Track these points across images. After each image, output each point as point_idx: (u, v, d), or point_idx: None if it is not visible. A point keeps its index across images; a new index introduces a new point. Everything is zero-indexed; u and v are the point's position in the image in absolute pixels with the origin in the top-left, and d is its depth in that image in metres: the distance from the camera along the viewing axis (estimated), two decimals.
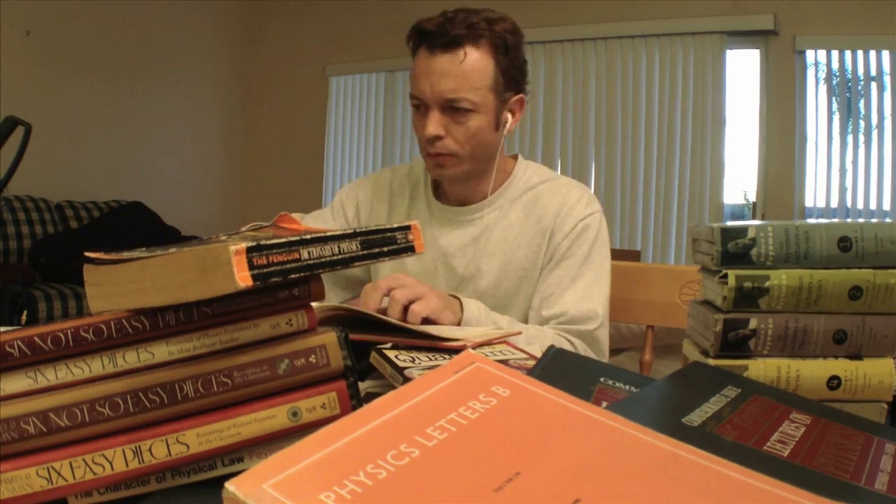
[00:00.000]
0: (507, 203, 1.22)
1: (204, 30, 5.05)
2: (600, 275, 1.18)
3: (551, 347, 0.62)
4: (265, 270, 0.41)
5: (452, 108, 1.10)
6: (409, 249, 0.52)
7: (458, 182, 1.21)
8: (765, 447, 0.43)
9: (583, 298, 1.15)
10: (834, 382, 0.64)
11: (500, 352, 0.72)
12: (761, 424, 0.47)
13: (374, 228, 0.50)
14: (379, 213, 1.29)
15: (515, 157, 1.28)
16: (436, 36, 1.09)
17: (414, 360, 0.66)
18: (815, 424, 0.50)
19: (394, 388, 0.63)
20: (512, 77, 1.14)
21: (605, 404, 0.49)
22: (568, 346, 1.09)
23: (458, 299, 1.03)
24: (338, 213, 1.32)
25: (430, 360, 0.67)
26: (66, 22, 4.08)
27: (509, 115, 1.17)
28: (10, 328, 0.44)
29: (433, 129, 1.10)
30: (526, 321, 1.19)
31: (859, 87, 3.61)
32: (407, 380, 0.60)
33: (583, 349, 1.12)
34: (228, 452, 0.44)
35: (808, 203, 3.72)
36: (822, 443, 0.46)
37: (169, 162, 4.83)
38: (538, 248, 1.19)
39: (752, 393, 0.55)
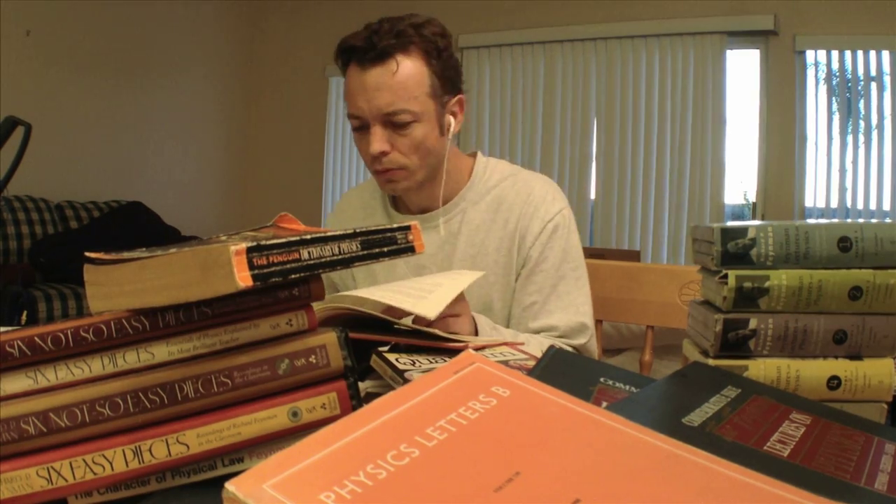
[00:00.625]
0: (469, 206, 1.20)
1: (204, 30, 5.05)
2: (579, 277, 1.17)
3: (551, 348, 0.62)
4: (265, 271, 0.41)
5: (393, 122, 1.07)
6: (410, 250, 0.52)
7: (412, 193, 1.19)
8: (765, 447, 0.43)
9: (569, 311, 1.14)
10: (834, 382, 0.64)
11: (501, 353, 0.72)
12: (761, 425, 0.47)
13: (374, 228, 0.50)
14: None
15: (474, 156, 1.25)
16: (365, 50, 1.06)
17: (414, 362, 0.66)
18: (815, 424, 0.50)
19: (394, 389, 0.63)
20: (448, 79, 1.11)
21: (604, 404, 0.49)
22: None
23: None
24: None
25: (431, 362, 0.67)
26: (66, 22, 4.08)
27: (451, 118, 1.14)
28: (10, 328, 0.44)
29: (378, 146, 1.08)
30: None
31: (859, 87, 3.61)
32: (406, 382, 0.60)
33: None
34: (228, 452, 0.44)
35: (808, 203, 3.72)
36: (822, 443, 0.46)
37: (169, 162, 4.83)
38: (508, 253, 1.17)
39: (752, 393, 0.55)
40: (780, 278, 0.63)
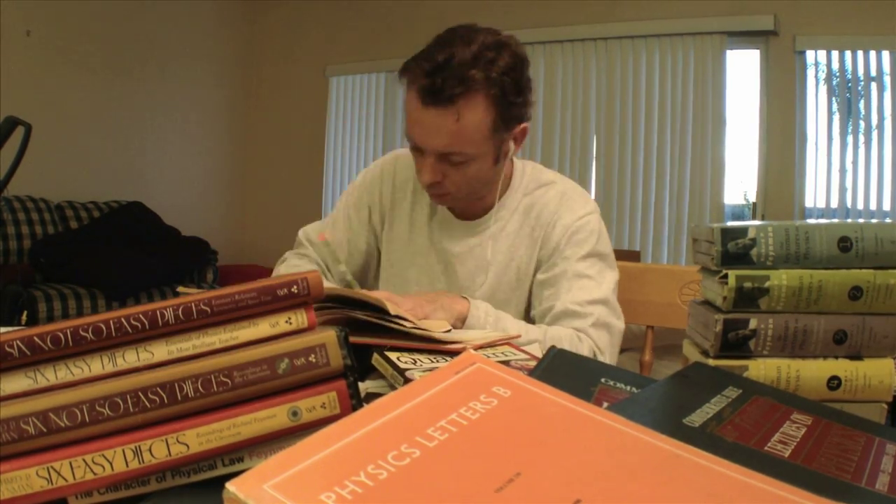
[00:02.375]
0: (507, 213, 1.21)
1: (204, 30, 5.05)
2: (601, 275, 1.16)
3: (552, 348, 0.62)
4: None
5: (448, 160, 1.06)
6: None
7: (457, 206, 1.22)
8: (766, 448, 0.43)
9: (577, 295, 1.13)
10: (834, 383, 0.64)
11: (503, 353, 0.72)
12: (762, 425, 0.47)
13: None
14: (387, 207, 1.28)
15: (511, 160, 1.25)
16: (427, 90, 1.01)
17: (415, 361, 0.66)
18: (816, 425, 0.50)
19: (395, 388, 0.63)
20: (511, 115, 1.08)
21: (605, 404, 0.49)
22: (569, 342, 1.09)
23: (468, 300, 1.03)
24: (360, 212, 1.30)
25: (432, 361, 0.67)
26: (66, 22, 4.08)
27: (512, 144, 1.12)
28: (10, 328, 0.44)
29: (428, 178, 1.08)
30: None
31: (859, 88, 3.61)
32: (408, 381, 0.60)
33: (588, 346, 1.10)
34: (228, 452, 0.44)
35: (808, 203, 3.72)
36: (823, 443, 0.46)
37: (169, 162, 4.83)
38: (529, 258, 1.19)
39: (753, 394, 0.55)
40: (781, 278, 0.63)
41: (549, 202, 1.20)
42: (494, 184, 1.17)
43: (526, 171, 1.25)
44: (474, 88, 1.01)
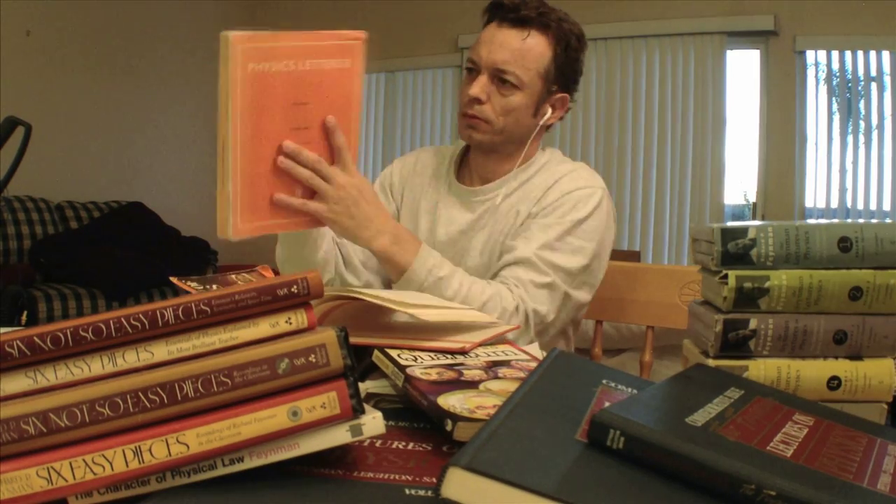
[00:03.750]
0: (515, 184, 1.23)
1: (204, 30, 5.04)
2: (582, 249, 1.14)
3: (553, 349, 0.62)
4: None
5: (500, 80, 1.14)
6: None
7: (482, 152, 1.23)
8: (768, 447, 0.43)
9: (546, 249, 1.12)
10: (834, 383, 0.64)
11: (503, 352, 0.72)
12: (764, 425, 0.47)
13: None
14: (408, 191, 1.32)
15: (543, 148, 1.29)
16: (508, 10, 1.14)
17: (416, 358, 0.66)
18: (817, 426, 0.50)
19: (396, 387, 0.63)
20: (563, 73, 1.18)
21: (607, 404, 0.49)
22: (491, 301, 1.06)
23: (414, 256, 1.04)
24: (384, 194, 1.34)
25: (433, 358, 0.67)
26: (66, 22, 4.08)
27: (549, 109, 1.19)
28: (10, 328, 0.44)
29: (476, 91, 1.14)
30: None
31: (859, 88, 3.61)
32: (409, 378, 0.60)
33: (516, 305, 1.08)
34: (228, 452, 0.44)
35: (808, 203, 3.72)
36: (825, 444, 0.46)
37: (169, 162, 4.83)
38: (516, 216, 1.19)
39: (755, 395, 0.55)
40: (781, 278, 0.63)
41: (555, 172, 1.21)
42: (524, 137, 1.20)
43: (546, 154, 1.27)
44: (547, 24, 1.15)
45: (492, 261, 1.20)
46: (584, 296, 1.17)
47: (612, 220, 1.21)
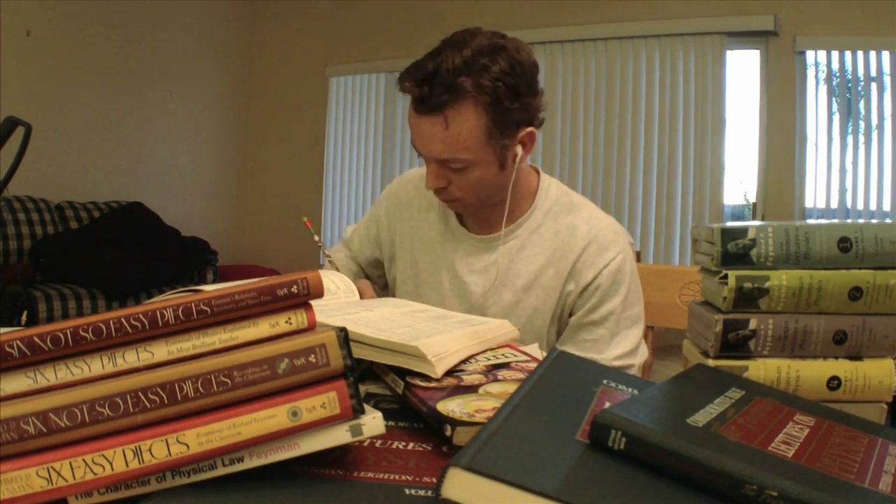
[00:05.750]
0: (525, 233, 1.17)
1: (204, 30, 5.05)
2: (636, 323, 1.14)
3: (554, 350, 0.62)
4: None
5: (448, 167, 1.07)
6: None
7: (472, 214, 1.19)
8: (769, 448, 0.43)
9: (615, 350, 1.11)
10: (834, 383, 0.64)
11: (503, 354, 0.72)
12: (766, 426, 0.47)
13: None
14: (394, 227, 1.29)
15: (538, 172, 1.22)
16: (419, 100, 1.03)
17: None
18: (819, 426, 0.50)
19: (395, 392, 0.63)
20: (510, 121, 1.05)
21: (608, 404, 0.49)
22: None
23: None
24: (369, 227, 1.33)
25: None
26: (66, 22, 4.07)
27: (519, 149, 1.10)
28: (10, 328, 0.44)
29: (433, 184, 1.09)
30: None
31: (859, 88, 3.61)
32: (408, 385, 0.60)
33: None
34: (228, 452, 0.44)
35: (808, 204, 3.72)
36: (826, 444, 0.46)
37: (169, 162, 4.83)
38: (553, 291, 1.14)
39: (756, 395, 0.55)
40: (781, 279, 0.63)
41: (579, 230, 1.15)
42: (505, 189, 1.12)
43: (551, 191, 1.20)
44: (461, 96, 1.01)
45: (517, 319, 1.14)
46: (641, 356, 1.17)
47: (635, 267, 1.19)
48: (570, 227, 1.15)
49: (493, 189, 1.12)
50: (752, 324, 0.64)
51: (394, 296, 1.29)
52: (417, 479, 0.46)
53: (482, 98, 1.02)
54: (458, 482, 0.35)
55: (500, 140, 1.06)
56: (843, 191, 3.61)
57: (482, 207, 1.15)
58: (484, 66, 1.01)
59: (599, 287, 1.12)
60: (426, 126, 1.04)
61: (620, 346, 1.12)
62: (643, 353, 1.16)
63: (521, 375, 0.63)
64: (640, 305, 1.16)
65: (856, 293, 0.63)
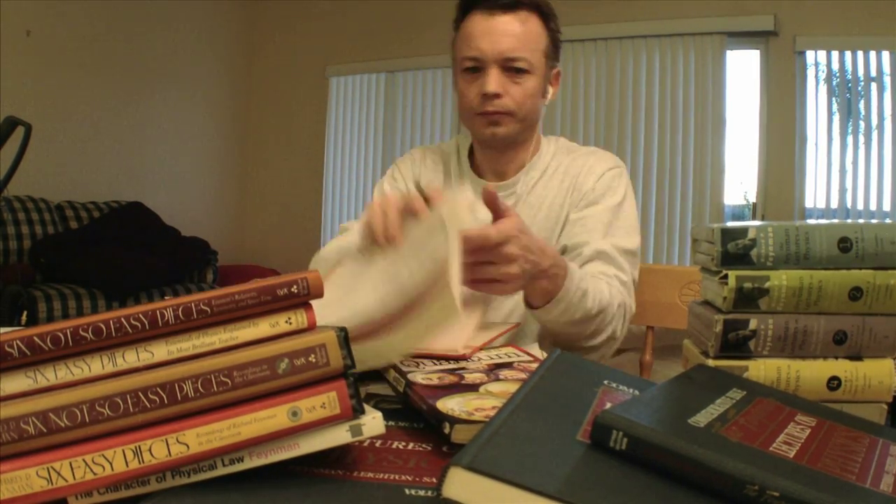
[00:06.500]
0: (536, 174, 1.24)
1: (204, 30, 5.05)
2: (629, 235, 1.16)
3: (554, 350, 0.62)
4: None
5: (511, 69, 1.13)
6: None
7: (498, 148, 1.21)
8: (771, 448, 0.43)
9: (614, 238, 1.13)
10: (834, 383, 0.64)
11: (506, 354, 0.72)
12: (767, 426, 0.47)
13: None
14: (416, 177, 1.30)
15: (545, 135, 1.31)
16: (494, 1, 1.13)
17: (418, 364, 0.66)
18: (820, 426, 0.50)
19: (397, 391, 0.63)
20: (556, 48, 1.21)
21: (609, 405, 0.49)
22: (607, 290, 1.04)
23: (561, 279, 0.93)
24: (393, 189, 1.31)
25: (435, 364, 0.67)
26: (66, 22, 4.07)
27: (549, 87, 1.21)
28: (10, 328, 0.44)
29: (494, 87, 1.12)
30: None
31: (859, 88, 3.61)
32: (410, 384, 0.60)
33: (619, 301, 1.06)
34: (228, 452, 0.44)
35: (808, 204, 3.72)
36: (827, 444, 0.46)
37: (169, 162, 4.83)
38: (560, 208, 1.20)
39: (757, 395, 0.55)
40: (781, 279, 0.63)
41: (578, 157, 1.24)
42: (534, 127, 1.22)
43: (551, 139, 1.29)
44: (531, 7, 1.16)
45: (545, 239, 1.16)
46: (636, 275, 1.18)
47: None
48: (573, 161, 1.24)
49: (534, 112, 1.19)
50: (752, 324, 0.64)
51: None
52: (417, 479, 0.46)
53: (546, 11, 1.18)
54: (458, 482, 0.35)
55: (550, 61, 1.19)
56: (843, 191, 3.61)
57: (518, 133, 1.19)
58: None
59: (595, 189, 1.18)
60: (502, 23, 1.13)
61: (614, 238, 1.13)
62: (635, 273, 1.14)
63: (523, 375, 0.63)
64: (637, 235, 1.17)
65: (856, 293, 0.63)
